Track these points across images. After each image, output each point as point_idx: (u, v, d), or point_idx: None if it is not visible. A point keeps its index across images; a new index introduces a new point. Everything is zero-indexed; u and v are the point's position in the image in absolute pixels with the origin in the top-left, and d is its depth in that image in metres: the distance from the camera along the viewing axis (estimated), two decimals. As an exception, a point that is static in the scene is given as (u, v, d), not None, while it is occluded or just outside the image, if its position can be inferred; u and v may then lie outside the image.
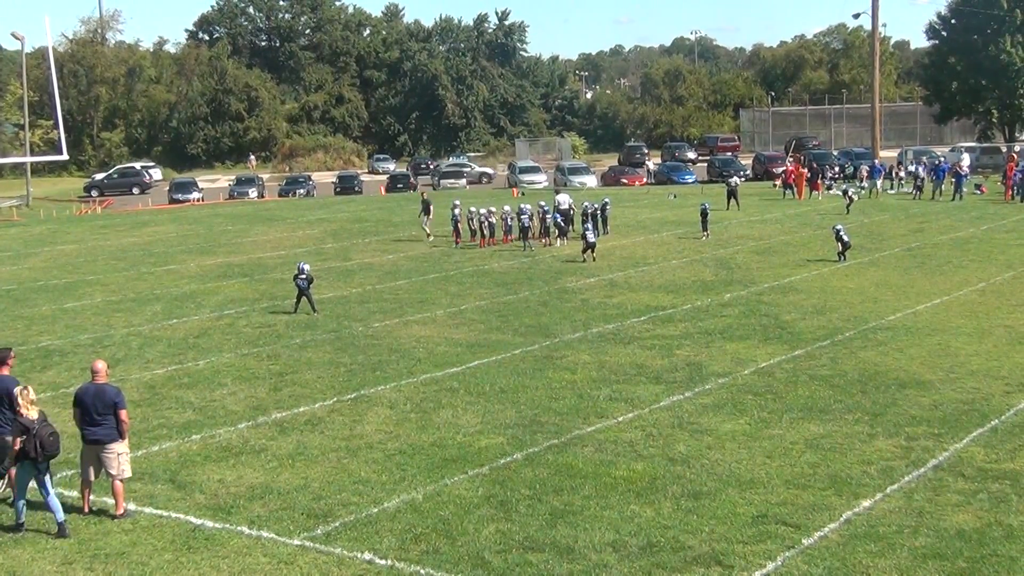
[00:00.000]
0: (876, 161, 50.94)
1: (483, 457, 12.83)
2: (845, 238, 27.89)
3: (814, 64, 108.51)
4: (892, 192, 48.07)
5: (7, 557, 10.36)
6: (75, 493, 11.82)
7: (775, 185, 50.28)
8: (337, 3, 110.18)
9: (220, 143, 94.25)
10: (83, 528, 11.03)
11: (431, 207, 36.18)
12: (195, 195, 61.05)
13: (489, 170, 73.29)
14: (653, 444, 13.16)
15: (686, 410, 14.61)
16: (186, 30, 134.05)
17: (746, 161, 67.07)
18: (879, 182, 47.11)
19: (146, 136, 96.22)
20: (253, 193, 62.75)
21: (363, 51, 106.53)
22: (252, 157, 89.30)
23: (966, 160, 50.08)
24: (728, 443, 13.11)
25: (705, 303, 22.64)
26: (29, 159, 61.23)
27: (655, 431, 13.68)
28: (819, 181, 47.32)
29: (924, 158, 52.79)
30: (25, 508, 10.96)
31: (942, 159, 49.34)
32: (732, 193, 41.27)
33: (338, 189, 63.93)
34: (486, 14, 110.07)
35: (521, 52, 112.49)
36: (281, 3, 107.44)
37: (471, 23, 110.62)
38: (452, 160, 79.92)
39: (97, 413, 11.19)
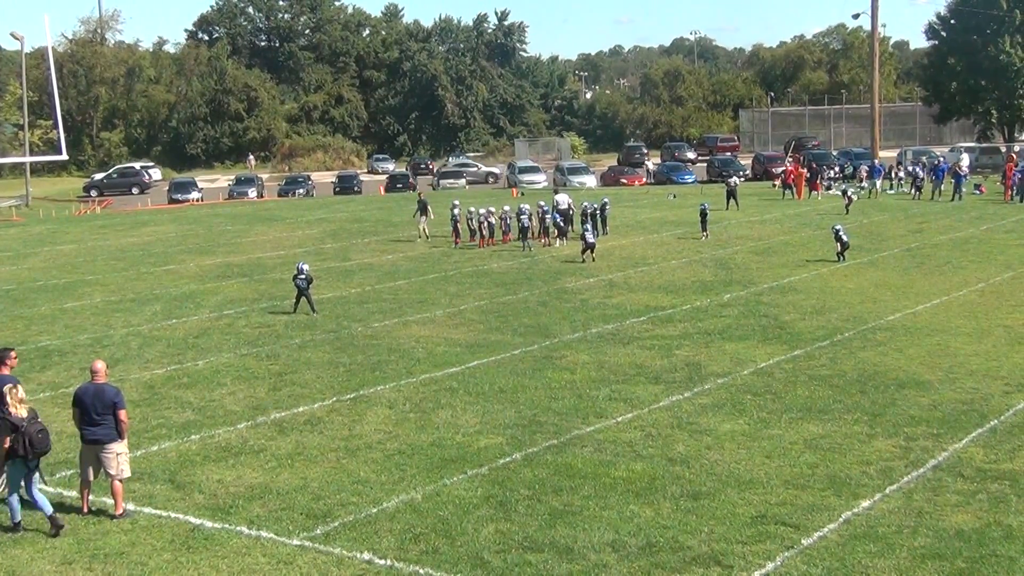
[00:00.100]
0: (875, 161, 50.97)
1: (482, 457, 12.83)
2: (844, 238, 27.90)
3: (813, 64, 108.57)
4: (891, 192, 48.08)
5: (6, 557, 10.36)
6: (74, 493, 11.82)
7: (774, 185, 50.28)
8: (336, 3, 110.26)
9: (219, 143, 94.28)
10: (82, 528, 11.02)
11: (428, 207, 36.14)
12: (194, 195, 61.04)
13: (496, 169, 73.13)
14: (652, 444, 13.16)
15: (685, 410, 14.61)
16: (185, 30, 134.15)
17: (745, 161, 67.07)
18: (878, 182, 47.13)
19: (145, 136, 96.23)
20: (252, 193, 62.73)
21: (362, 51, 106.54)
22: (251, 157, 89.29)
23: (965, 160, 50.10)
24: (727, 443, 13.11)
25: (704, 303, 22.64)
26: (28, 159, 61.19)
27: (654, 431, 13.68)
28: (818, 181, 47.33)
29: (924, 158, 52.84)
30: (21, 507, 10.94)
31: (941, 159, 49.36)
32: (731, 193, 41.27)
33: (337, 189, 63.93)
34: (486, 14, 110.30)
35: (521, 52, 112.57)
36: (280, 3, 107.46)
37: (471, 23, 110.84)
38: (459, 160, 79.88)
39: (96, 413, 11.18)
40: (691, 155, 79.44)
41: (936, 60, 71.61)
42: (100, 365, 11.53)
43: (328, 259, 31.62)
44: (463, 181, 65.17)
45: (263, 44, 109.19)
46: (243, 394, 16.22)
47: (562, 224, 33.28)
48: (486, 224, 33.45)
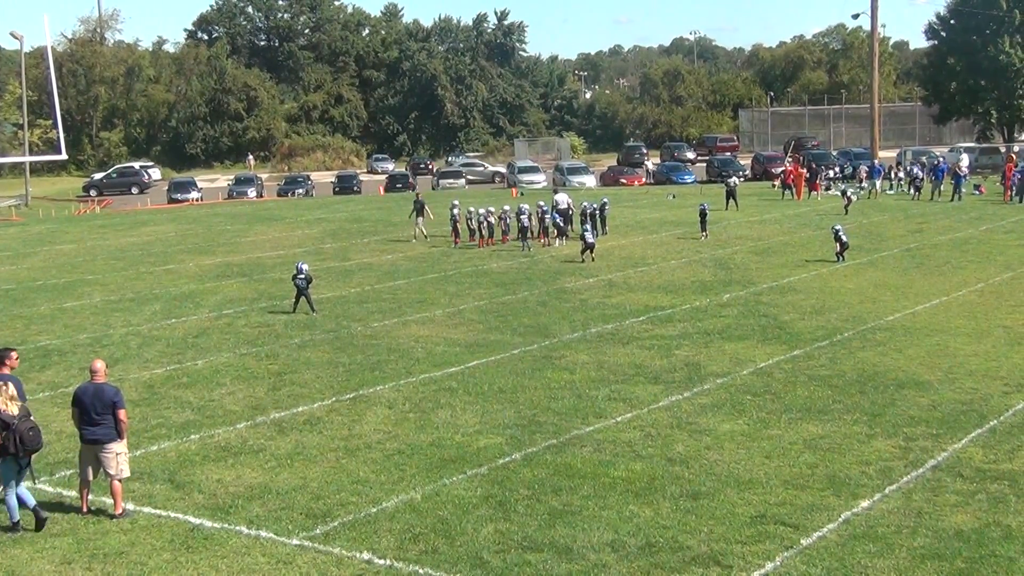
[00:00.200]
0: (875, 161, 50.98)
1: (482, 457, 12.83)
2: (844, 238, 27.91)
3: (813, 64, 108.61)
4: (891, 193, 48.10)
5: (6, 557, 10.36)
6: (74, 493, 11.82)
7: (774, 185, 50.28)
8: (336, 3, 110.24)
9: (219, 143, 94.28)
10: (82, 528, 11.02)
11: (426, 208, 36.08)
12: (194, 195, 61.04)
13: (502, 169, 72.97)
14: (652, 444, 13.16)
15: (685, 410, 14.62)
16: (185, 30, 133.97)
17: (745, 161, 67.09)
18: (878, 183, 47.15)
19: (145, 136, 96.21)
20: (252, 193, 62.73)
21: (362, 51, 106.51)
22: (251, 157, 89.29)
23: (965, 161, 50.10)
24: (727, 443, 13.11)
25: (704, 303, 22.64)
26: (28, 159, 61.22)
27: (654, 431, 13.68)
28: (818, 181, 47.35)
29: (923, 158, 52.85)
30: (18, 507, 10.94)
31: (941, 159, 49.38)
32: (731, 193, 41.27)
33: (337, 189, 63.93)
34: (485, 14, 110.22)
35: (520, 52, 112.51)
36: (280, 3, 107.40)
37: (470, 23, 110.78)
38: (466, 159, 79.77)
39: (96, 413, 11.18)
40: (691, 155, 79.46)
41: (936, 60, 71.63)
42: (99, 365, 11.53)
43: (327, 259, 31.62)
44: (463, 181, 65.13)
45: (263, 44, 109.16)
46: (242, 394, 16.22)
47: (562, 224, 33.28)
48: (486, 224, 33.46)
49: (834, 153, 66.49)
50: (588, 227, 30.49)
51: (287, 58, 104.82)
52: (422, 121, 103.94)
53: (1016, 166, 45.20)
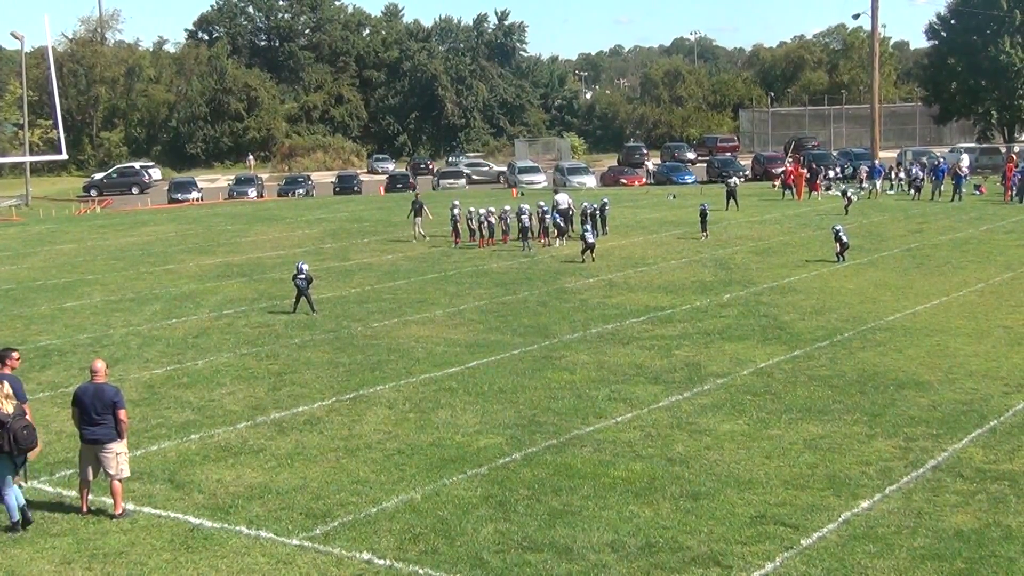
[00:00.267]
0: (875, 162, 50.97)
1: (482, 457, 12.83)
2: (844, 239, 27.91)
3: (813, 64, 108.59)
4: (891, 193, 48.10)
5: (5, 556, 10.36)
6: (74, 493, 11.82)
7: (774, 186, 50.29)
8: (336, 3, 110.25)
9: (219, 143, 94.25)
10: (81, 528, 11.02)
11: (424, 208, 36.05)
12: (194, 195, 61.05)
13: (504, 169, 72.82)
14: (652, 444, 13.16)
15: (685, 410, 14.61)
16: (185, 30, 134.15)
17: (745, 161, 67.10)
18: (878, 183, 47.14)
19: (145, 136, 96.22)
20: (252, 193, 62.73)
21: (362, 51, 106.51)
22: (251, 157, 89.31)
23: (965, 161, 50.12)
24: (727, 443, 13.11)
25: (704, 303, 22.64)
26: (28, 159, 61.23)
27: (654, 431, 13.68)
28: (818, 182, 47.35)
29: (924, 159, 52.83)
30: (18, 506, 10.94)
31: (941, 160, 49.37)
32: (731, 193, 41.28)
33: (337, 189, 63.93)
34: (485, 14, 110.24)
35: (520, 52, 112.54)
36: (280, 3, 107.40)
37: (470, 23, 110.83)
38: (469, 159, 79.66)
39: (96, 413, 11.18)
40: (691, 155, 79.45)
41: (936, 60, 71.58)
42: (100, 365, 11.53)
43: (328, 259, 31.62)
44: (463, 181, 65.12)
45: (263, 44, 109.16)
46: (243, 394, 16.22)
47: (562, 224, 33.28)
48: (486, 224, 33.46)
49: (834, 153, 66.48)
50: (588, 227, 30.49)
51: (287, 58, 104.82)
52: (422, 121, 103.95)
53: (1016, 166, 45.21)
